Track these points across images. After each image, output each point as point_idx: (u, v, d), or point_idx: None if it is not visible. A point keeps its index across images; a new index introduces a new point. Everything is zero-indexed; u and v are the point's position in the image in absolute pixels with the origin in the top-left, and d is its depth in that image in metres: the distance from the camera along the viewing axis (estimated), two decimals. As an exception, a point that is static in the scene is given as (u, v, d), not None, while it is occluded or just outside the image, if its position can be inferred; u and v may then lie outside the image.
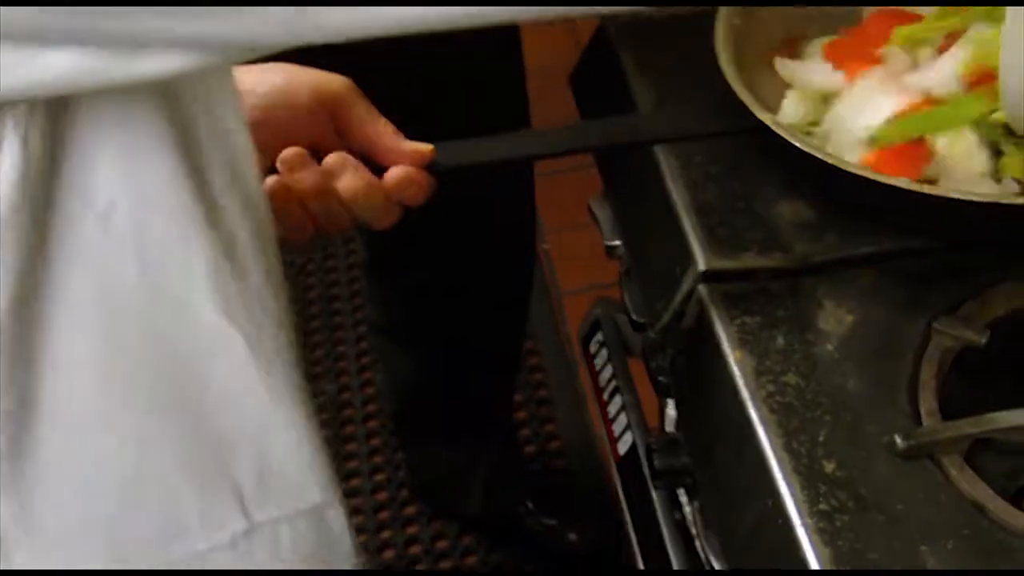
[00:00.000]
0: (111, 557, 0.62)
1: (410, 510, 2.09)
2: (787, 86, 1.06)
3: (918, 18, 1.04)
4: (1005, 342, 0.94)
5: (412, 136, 0.92)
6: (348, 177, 0.88)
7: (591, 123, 1.12)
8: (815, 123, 1.03)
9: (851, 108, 1.00)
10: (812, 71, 1.05)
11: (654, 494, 1.12)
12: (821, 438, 0.87)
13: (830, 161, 0.92)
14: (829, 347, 0.92)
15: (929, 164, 0.96)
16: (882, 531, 0.81)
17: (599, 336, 1.27)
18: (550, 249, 2.37)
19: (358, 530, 1.94)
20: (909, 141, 0.96)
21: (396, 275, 1.73)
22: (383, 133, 0.90)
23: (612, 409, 1.23)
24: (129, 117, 0.59)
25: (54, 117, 0.56)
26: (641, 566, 1.12)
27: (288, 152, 0.87)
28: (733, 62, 1.01)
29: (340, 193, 0.89)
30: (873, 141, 0.97)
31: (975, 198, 0.89)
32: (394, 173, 0.90)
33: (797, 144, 0.94)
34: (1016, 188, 0.96)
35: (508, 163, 0.98)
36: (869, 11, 1.07)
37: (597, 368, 1.27)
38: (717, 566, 0.99)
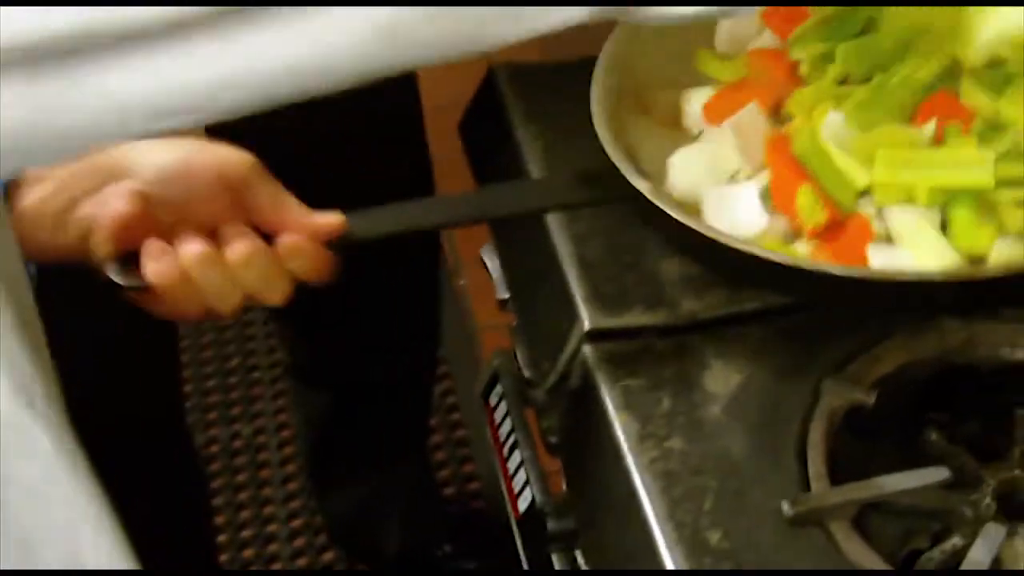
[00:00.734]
0: None
1: (328, 556, 2.05)
2: (675, 142, 1.04)
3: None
4: (894, 399, 0.92)
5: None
6: (237, 244, 0.85)
7: (481, 193, 1.09)
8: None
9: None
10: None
11: (553, 555, 1.09)
12: (706, 506, 0.84)
13: (707, 234, 0.90)
14: (715, 409, 0.90)
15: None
16: (766, 604, 0.79)
17: (498, 389, 1.24)
18: (467, 284, 2.34)
19: (276, 577, 1.91)
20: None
21: (302, 316, 1.70)
22: (289, 210, 0.87)
23: (512, 464, 1.20)
24: None
25: None
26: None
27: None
28: (611, 126, 0.98)
29: (228, 260, 0.85)
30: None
31: (845, 272, 0.87)
32: (285, 240, 0.86)
33: (674, 215, 0.91)
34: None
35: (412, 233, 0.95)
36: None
37: (496, 422, 1.23)
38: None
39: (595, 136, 0.99)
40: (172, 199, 0.85)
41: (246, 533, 2.08)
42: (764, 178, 0.96)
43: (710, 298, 0.96)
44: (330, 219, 0.87)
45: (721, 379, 0.91)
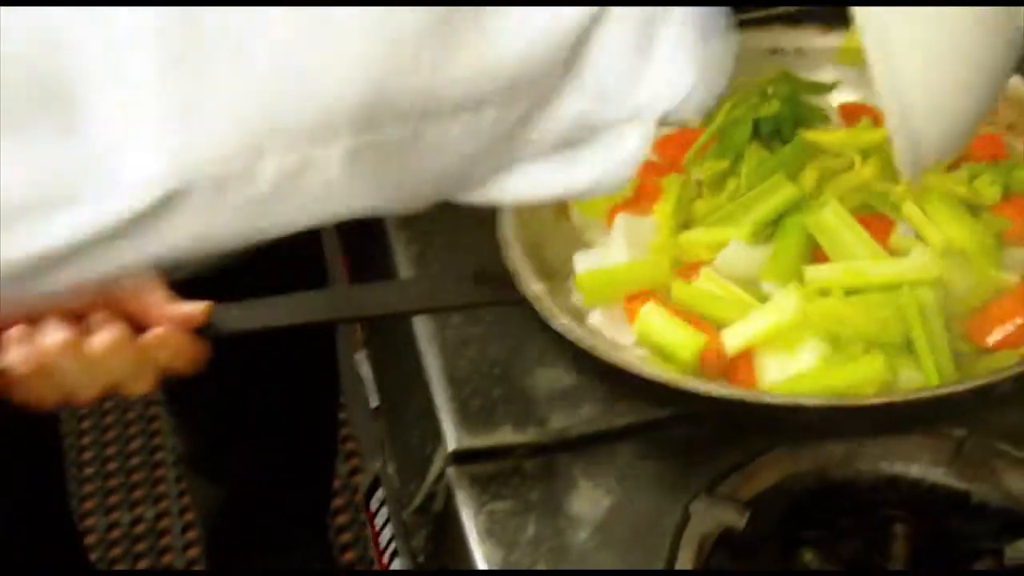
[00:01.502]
0: None
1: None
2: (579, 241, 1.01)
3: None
4: (770, 517, 0.89)
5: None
6: (101, 334, 0.82)
7: (353, 290, 1.06)
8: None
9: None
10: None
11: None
12: (570, 640, 0.81)
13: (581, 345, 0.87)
14: (582, 535, 0.86)
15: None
16: None
17: (379, 493, 1.20)
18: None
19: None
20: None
21: (193, 407, 1.66)
22: (153, 297, 0.84)
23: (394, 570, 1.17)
24: None
25: None
26: None
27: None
28: (516, 228, 0.96)
29: (91, 350, 0.82)
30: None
31: (712, 392, 0.85)
32: (151, 332, 0.84)
33: (555, 327, 0.89)
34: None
35: (277, 329, 0.92)
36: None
37: (377, 528, 1.20)
38: None
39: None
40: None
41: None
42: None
43: (581, 414, 0.93)
44: (193, 309, 0.85)
45: (589, 502, 0.88)
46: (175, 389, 1.64)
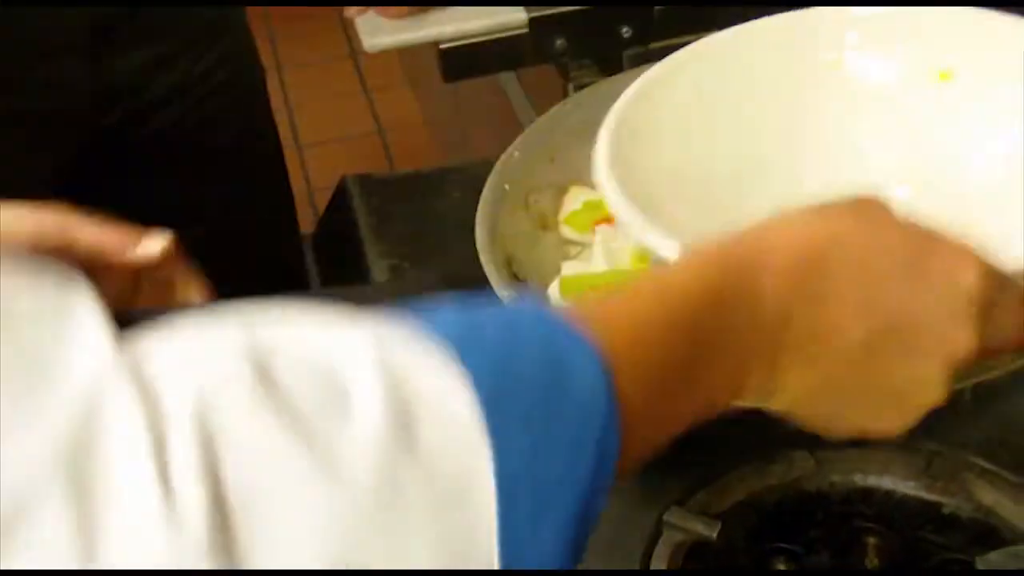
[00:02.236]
0: None
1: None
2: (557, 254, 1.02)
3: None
4: (742, 529, 0.90)
5: None
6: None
7: (321, 293, 1.06)
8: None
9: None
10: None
11: None
12: (541, 651, 0.81)
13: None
14: (555, 546, 0.86)
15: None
16: None
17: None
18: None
19: None
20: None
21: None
22: (112, 236, 0.81)
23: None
24: None
25: None
26: None
27: None
28: (493, 236, 0.95)
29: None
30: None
31: None
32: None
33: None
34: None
35: None
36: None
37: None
38: None
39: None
40: None
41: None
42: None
43: (555, 426, 0.93)
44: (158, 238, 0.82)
45: (562, 513, 0.88)
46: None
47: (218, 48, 1.25)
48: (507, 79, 1.59)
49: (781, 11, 1.21)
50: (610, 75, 1.13)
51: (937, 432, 0.91)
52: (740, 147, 0.93)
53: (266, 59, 1.37)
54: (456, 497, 0.48)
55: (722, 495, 0.90)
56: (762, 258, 0.60)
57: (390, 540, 0.46)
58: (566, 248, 1.01)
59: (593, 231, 0.99)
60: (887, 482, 0.92)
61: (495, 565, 0.48)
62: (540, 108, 1.06)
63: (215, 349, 0.48)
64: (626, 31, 1.22)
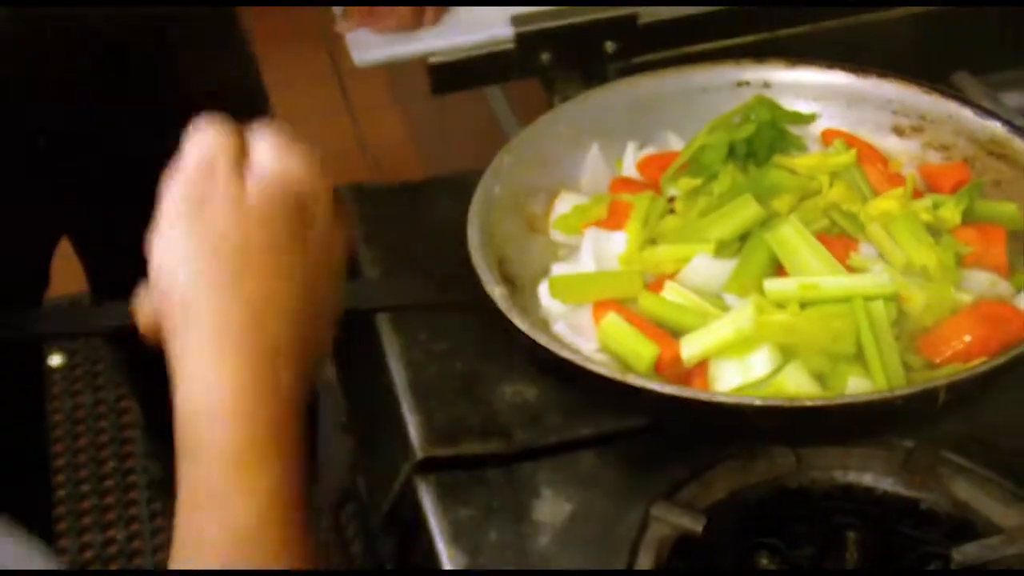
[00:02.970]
0: None
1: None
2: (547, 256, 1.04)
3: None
4: (726, 524, 0.92)
5: None
6: None
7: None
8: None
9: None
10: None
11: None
12: (532, 641, 0.84)
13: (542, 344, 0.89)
14: (544, 540, 0.89)
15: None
16: None
17: (348, 508, 1.23)
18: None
19: None
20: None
21: (171, 431, 1.67)
22: None
23: (363, 584, 1.19)
24: None
25: None
26: None
27: None
28: (484, 235, 0.98)
29: None
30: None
31: (668, 392, 0.86)
32: None
33: (521, 327, 0.91)
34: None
35: None
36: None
37: (347, 541, 1.22)
38: None
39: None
40: None
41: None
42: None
43: (543, 425, 0.96)
44: None
45: (552, 508, 0.91)
46: (154, 414, 1.66)
47: (223, 72, 1.27)
48: (494, 94, 1.62)
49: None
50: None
51: (914, 431, 0.94)
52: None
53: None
54: None
55: (707, 491, 0.93)
56: None
57: None
58: (555, 250, 1.04)
59: (582, 234, 1.02)
60: (867, 478, 0.95)
61: None
62: (526, 122, 1.09)
63: None
64: (611, 46, 1.25)
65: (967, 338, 0.92)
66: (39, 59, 1.16)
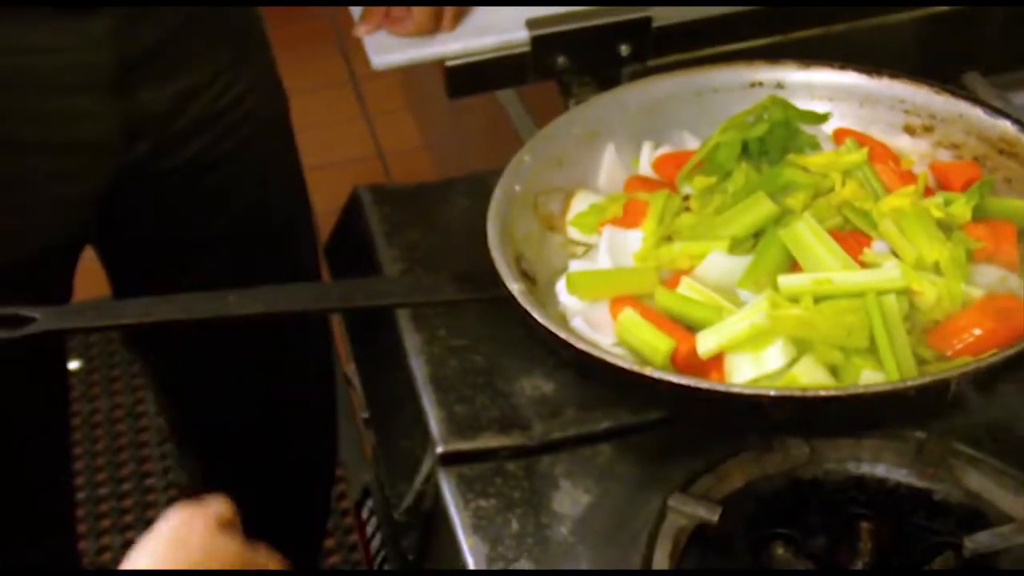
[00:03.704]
0: None
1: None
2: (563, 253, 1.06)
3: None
4: (742, 515, 0.94)
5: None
6: None
7: (333, 284, 1.10)
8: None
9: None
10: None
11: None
12: (552, 628, 0.85)
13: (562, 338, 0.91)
14: (563, 530, 0.91)
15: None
16: None
17: (370, 503, 1.25)
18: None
19: None
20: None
21: (200, 439, 1.69)
22: None
23: (383, 578, 1.21)
24: None
25: None
26: None
27: None
28: (502, 233, 0.99)
29: None
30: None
31: (683, 382, 0.87)
32: None
33: (541, 321, 0.92)
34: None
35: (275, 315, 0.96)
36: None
37: (368, 536, 1.24)
38: None
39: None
40: None
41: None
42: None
43: (562, 418, 0.98)
44: None
45: (570, 499, 0.93)
46: (179, 420, 1.68)
47: (244, 81, 1.28)
48: (508, 98, 1.64)
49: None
50: (610, 90, 1.17)
51: (926, 423, 0.96)
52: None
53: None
54: None
55: (722, 483, 0.94)
56: None
57: None
58: (572, 248, 1.06)
59: (599, 232, 1.04)
60: (879, 470, 0.96)
61: None
62: (541, 125, 1.11)
63: None
64: (625, 49, 1.27)
65: (977, 331, 0.94)
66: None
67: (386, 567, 1.19)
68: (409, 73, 2.66)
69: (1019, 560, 0.91)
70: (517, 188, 1.03)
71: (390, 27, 1.25)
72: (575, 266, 1.02)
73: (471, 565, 0.89)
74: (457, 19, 1.27)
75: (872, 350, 0.92)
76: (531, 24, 1.25)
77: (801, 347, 0.92)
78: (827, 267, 0.96)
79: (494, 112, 1.70)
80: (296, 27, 3.02)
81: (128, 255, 1.41)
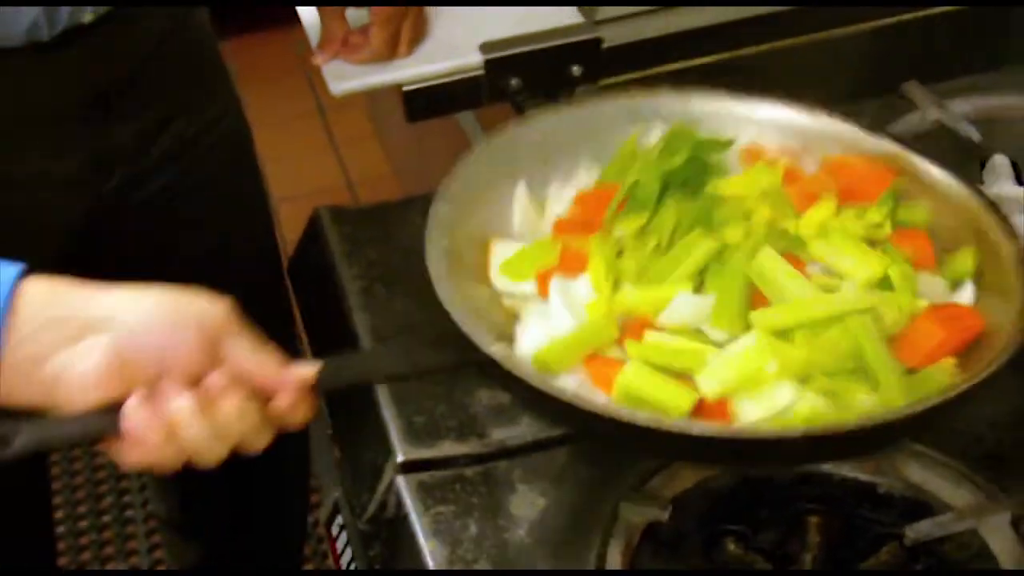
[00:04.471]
0: None
1: None
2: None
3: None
4: (693, 513, 0.97)
5: None
6: (230, 398, 0.84)
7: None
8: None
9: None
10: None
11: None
12: (511, 626, 0.88)
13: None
14: (521, 532, 0.94)
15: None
16: None
17: (339, 519, 1.27)
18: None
19: None
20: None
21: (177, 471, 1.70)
22: (267, 360, 0.86)
23: (355, 592, 1.23)
24: None
25: None
26: None
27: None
28: (455, 293, 0.93)
29: (219, 412, 0.83)
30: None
31: (654, 425, 0.84)
32: (280, 398, 0.86)
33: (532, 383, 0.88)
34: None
35: None
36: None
37: (338, 551, 1.27)
38: None
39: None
40: (152, 351, 0.83)
41: None
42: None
43: (519, 426, 1.01)
44: (308, 370, 0.86)
45: (526, 503, 0.96)
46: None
47: (209, 111, 1.31)
48: (467, 120, 1.67)
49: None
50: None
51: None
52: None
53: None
54: None
55: (673, 481, 0.98)
56: None
57: None
58: (512, 302, 0.99)
59: (532, 279, 0.99)
60: (826, 466, 1.00)
61: None
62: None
63: None
64: (576, 70, 1.30)
65: (934, 340, 0.94)
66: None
67: None
68: (375, 100, 2.70)
69: (962, 547, 0.95)
70: (445, 243, 0.98)
71: (347, 55, 1.29)
72: (529, 326, 0.97)
73: (430, 567, 0.92)
74: (413, 45, 1.30)
75: (857, 372, 0.92)
76: (484, 48, 1.28)
77: (800, 380, 0.91)
78: (792, 297, 0.95)
79: (460, 139, 1.73)
80: (264, 61, 3.06)
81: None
